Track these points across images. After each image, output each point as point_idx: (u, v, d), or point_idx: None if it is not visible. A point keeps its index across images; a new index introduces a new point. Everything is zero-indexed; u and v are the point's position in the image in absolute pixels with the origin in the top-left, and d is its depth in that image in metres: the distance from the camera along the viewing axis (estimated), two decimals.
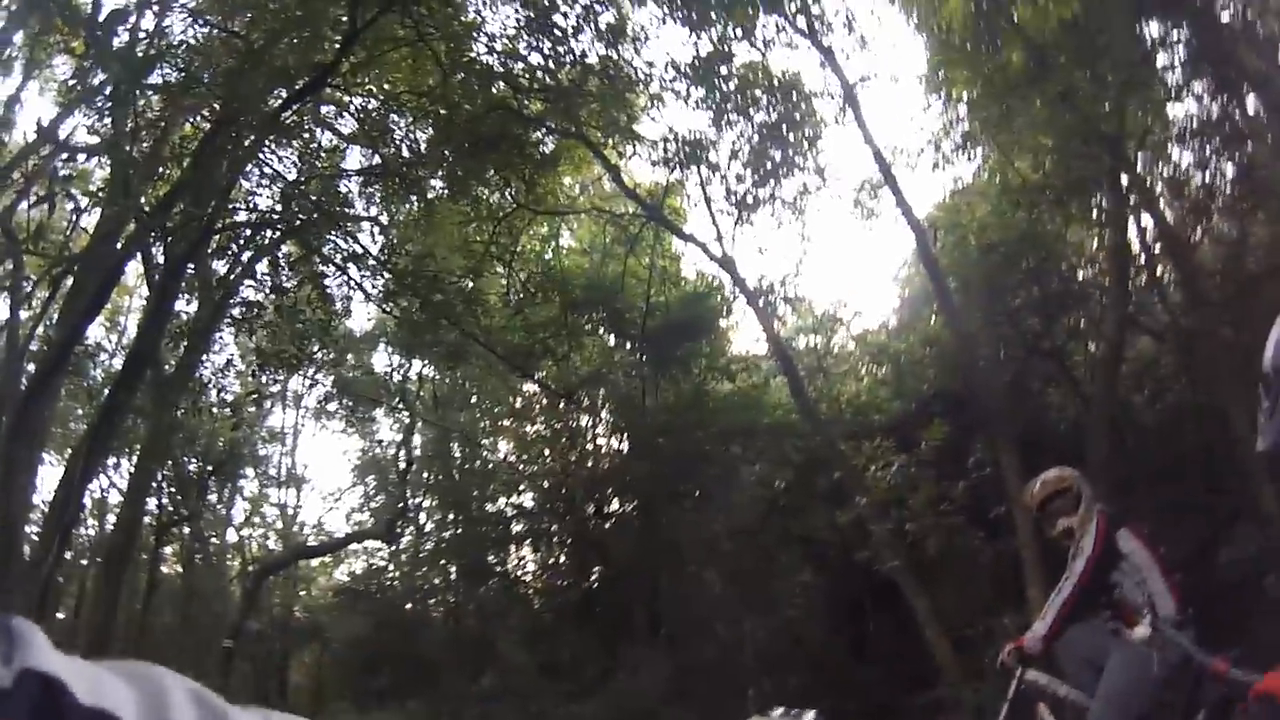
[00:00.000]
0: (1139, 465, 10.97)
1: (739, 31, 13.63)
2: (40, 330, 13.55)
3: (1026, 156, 12.88)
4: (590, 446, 20.52)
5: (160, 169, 11.45)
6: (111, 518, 19.75)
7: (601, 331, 18.87)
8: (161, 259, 12.44)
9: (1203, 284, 11.74)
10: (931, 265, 12.18)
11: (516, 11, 13.13)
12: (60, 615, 20.60)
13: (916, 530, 11.21)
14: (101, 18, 8.71)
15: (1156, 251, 12.72)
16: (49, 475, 19.32)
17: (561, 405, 19.62)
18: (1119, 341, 11.04)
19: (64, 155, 11.62)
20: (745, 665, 13.75)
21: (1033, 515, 6.16)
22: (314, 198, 12.77)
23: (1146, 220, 12.47)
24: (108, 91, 9.80)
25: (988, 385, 11.45)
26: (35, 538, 11.98)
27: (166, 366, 13.83)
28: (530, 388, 20.42)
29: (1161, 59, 12.41)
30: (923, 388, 14.07)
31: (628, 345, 18.54)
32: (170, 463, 16.17)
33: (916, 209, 13.05)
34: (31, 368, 11.08)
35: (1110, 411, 10.71)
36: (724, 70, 13.90)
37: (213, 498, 23.82)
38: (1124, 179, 11.67)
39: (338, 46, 10.61)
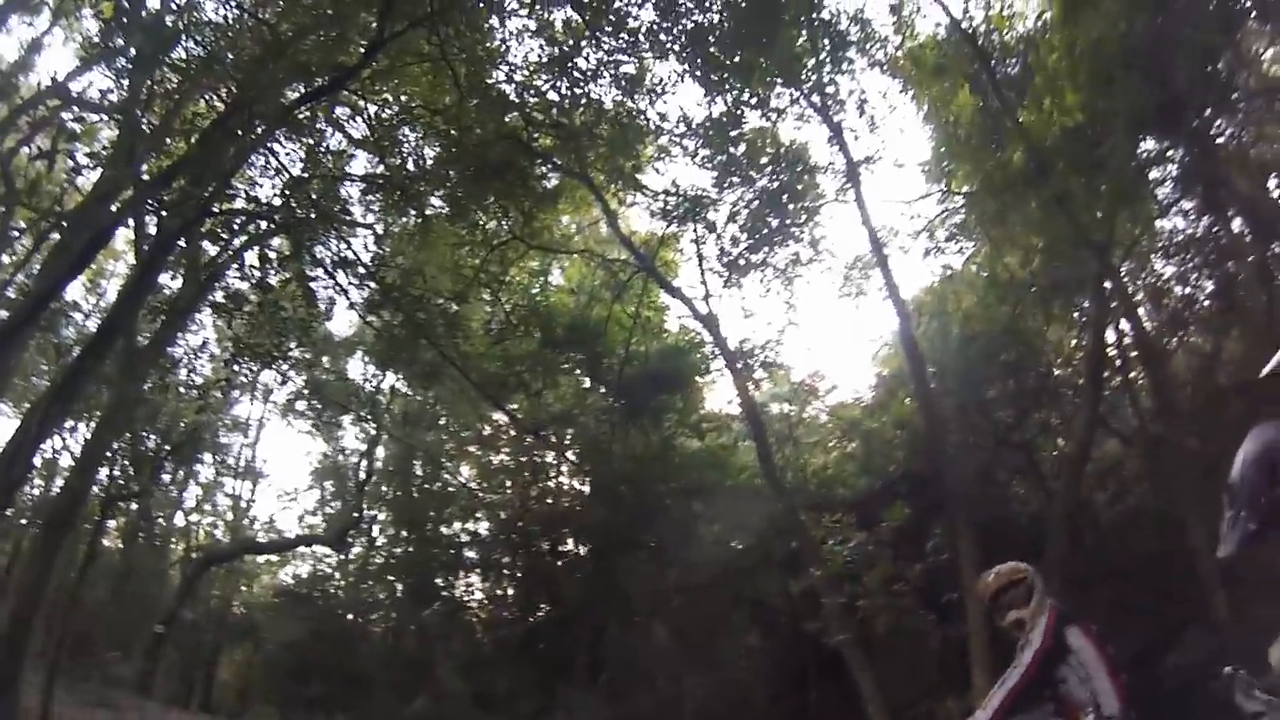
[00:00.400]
0: (1095, 563, 11.05)
1: (754, 98, 13.86)
2: (19, 279, 13.33)
3: (1017, 253, 13.16)
4: (552, 484, 20.43)
5: (166, 141, 11.40)
6: (60, 481, 19.33)
7: (578, 372, 18.88)
8: (153, 231, 12.34)
9: (1174, 393, 11.98)
10: (912, 348, 12.33)
11: (541, 47, 13.34)
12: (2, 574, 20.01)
13: (868, 607, 11.20)
14: None
15: (1132, 357, 12.96)
16: (3, 426, 18.90)
17: (529, 440, 19.54)
18: (1087, 441, 11.18)
19: (74, 109, 11.55)
20: None
21: (985, 604, 6.16)
22: (314, 197, 12.75)
23: (1125, 326, 12.74)
24: (129, 55, 9.79)
25: (954, 471, 11.52)
26: None
27: (140, 339, 13.63)
28: (500, 417, 20.35)
29: (1155, 174, 12.79)
30: (889, 467, 14.15)
31: (602, 389, 18.54)
32: (128, 435, 15.84)
33: (904, 291, 13.27)
34: (4, 314, 10.86)
35: (1072, 508, 10.81)
36: (734, 133, 14.11)
37: (166, 478, 23.33)
38: (1108, 285, 11.92)
39: (363, 51, 10.69)
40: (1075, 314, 13.07)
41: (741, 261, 15.17)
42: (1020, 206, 12.09)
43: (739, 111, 13.96)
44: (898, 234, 14.27)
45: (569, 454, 19.95)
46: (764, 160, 14.50)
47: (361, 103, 14.08)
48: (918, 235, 14.25)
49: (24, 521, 21.62)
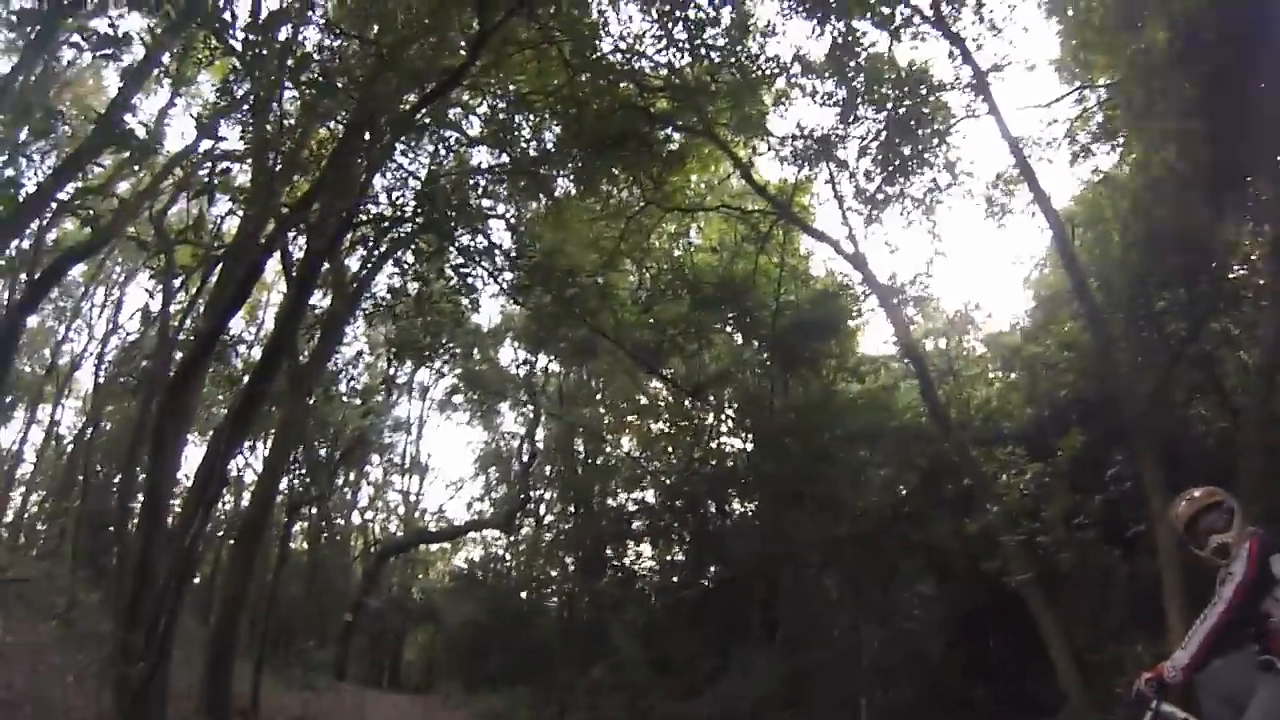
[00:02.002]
0: None
1: (867, 20, 13.22)
2: (189, 321, 14.58)
3: (1173, 145, 11.88)
4: (714, 445, 20.46)
5: (298, 172, 12.05)
6: (247, 495, 21.09)
7: (730, 329, 18.76)
8: (299, 255, 13.11)
9: None
10: (1071, 262, 11.45)
11: (642, 10, 13.18)
12: (196, 580, 22.16)
13: (1048, 543, 10.60)
14: (252, 22, 9.23)
15: None
16: (193, 454, 20.83)
17: (687, 403, 19.61)
18: (1277, 348, 10.03)
19: (209, 163, 12.45)
20: (859, 674, 13.36)
21: (1178, 534, 5.66)
22: (445, 195, 13.17)
23: None
24: (250, 101, 10.39)
25: (1129, 393, 10.66)
26: (178, 509, 12.98)
27: (301, 356, 14.58)
28: (657, 384, 20.51)
29: None
30: (1059, 394, 13.34)
31: (756, 344, 18.36)
32: (302, 447, 17.06)
33: (1054, 203, 12.34)
34: (179, 355, 11.89)
35: (1265, 426, 9.75)
36: (851, 63, 13.53)
37: (340, 481, 25.09)
38: None
39: (466, 50, 10.89)
40: (1249, 204, 11.70)
41: (879, 196, 14.64)
42: (1172, 91, 10.89)
43: (853, 38, 13.40)
44: (1039, 143, 13.25)
45: (729, 412, 19.94)
46: (886, 87, 13.82)
47: (474, 100, 14.41)
48: (1059, 142, 13.19)
49: (221, 534, 23.79)
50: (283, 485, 16.13)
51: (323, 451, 19.65)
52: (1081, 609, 10.65)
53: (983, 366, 17.06)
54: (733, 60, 13.61)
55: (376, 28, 11.30)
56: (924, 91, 13.76)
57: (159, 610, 8.46)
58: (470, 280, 14.36)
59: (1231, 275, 11.41)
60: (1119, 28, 11.43)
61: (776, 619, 16.43)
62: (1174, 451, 10.22)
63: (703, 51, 13.47)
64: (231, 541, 18.16)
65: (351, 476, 26.93)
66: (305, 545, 26.86)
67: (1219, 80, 10.00)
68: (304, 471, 17.52)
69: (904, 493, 15.40)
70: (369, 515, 31.48)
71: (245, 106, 11.08)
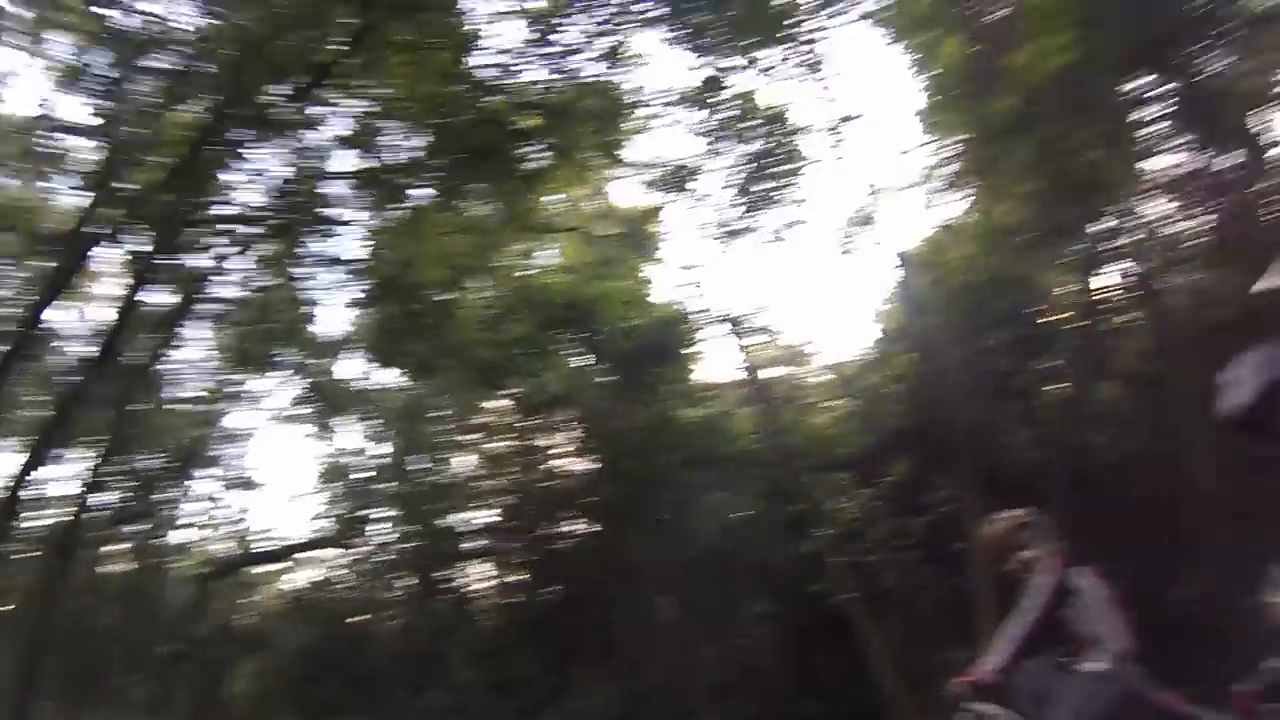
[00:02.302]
0: (1096, 505, 11.16)
1: (740, 60, 13.79)
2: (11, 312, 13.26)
3: (1009, 201, 13.13)
4: (555, 465, 20.47)
5: (149, 156, 11.34)
6: (62, 509, 19.30)
7: (575, 350, 18.89)
8: (139, 248, 12.28)
9: (1171, 331, 12.02)
10: (910, 301, 12.37)
11: (519, 28, 13.25)
12: (8, 607, 19.99)
13: (872, 564, 11.33)
14: None
15: (1128, 299, 13.01)
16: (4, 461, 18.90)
17: (529, 422, 19.56)
18: (1084, 385, 11.25)
19: (53, 134, 11.49)
20: (696, 692, 13.71)
21: (990, 552, 6.29)
22: (299, 198, 12.70)
23: (1121, 267, 12.74)
24: (105, 73, 9.75)
25: (955, 423, 11.59)
26: None
27: (135, 357, 13.61)
28: (498, 403, 20.36)
29: (1144, 112, 12.77)
30: (889, 423, 14.23)
31: (600, 366, 18.57)
32: (128, 456, 15.88)
33: (900, 245, 13.25)
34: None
35: (1072, 452, 10.89)
36: (718, 98, 14.07)
37: (166, 495, 23.39)
38: (1099, 227, 11.91)
39: (340, 47, 10.61)
40: (1068, 259, 13.05)
41: (732, 227, 15.20)
42: (1011, 153, 12.03)
43: (722, 75, 13.92)
44: (891, 188, 14.23)
45: (570, 433, 20.01)
46: (750, 124, 14.44)
47: (340, 99, 13.99)
48: (910, 188, 14.23)
49: (33, 553, 21.54)
50: (102, 499, 14.87)
51: (148, 462, 18.33)
52: (904, 623, 11.41)
53: (820, 395, 17.89)
54: (596, 89, 13.86)
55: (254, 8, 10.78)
56: (786, 130, 14.45)
57: None
58: (308, 294, 13.90)
59: (1050, 320, 12.66)
60: (972, 92, 12.54)
61: (615, 639, 16.60)
62: (994, 475, 11.16)
63: (566, 78, 13.65)
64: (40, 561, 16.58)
65: (178, 490, 25.17)
66: (125, 566, 24.88)
67: (1049, 147, 11.14)
68: (128, 484, 16.22)
69: (740, 515, 15.94)
70: (198, 533, 29.40)
71: (98, 79, 10.32)
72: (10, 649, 13.51)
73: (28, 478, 10.06)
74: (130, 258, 12.27)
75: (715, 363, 19.58)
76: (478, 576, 21.31)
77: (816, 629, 13.32)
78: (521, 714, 14.92)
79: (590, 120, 14.05)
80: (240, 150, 11.31)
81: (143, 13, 9.27)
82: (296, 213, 12.31)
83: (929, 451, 11.95)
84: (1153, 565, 10.63)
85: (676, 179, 15.05)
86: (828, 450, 14.69)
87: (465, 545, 20.89)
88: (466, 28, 12.85)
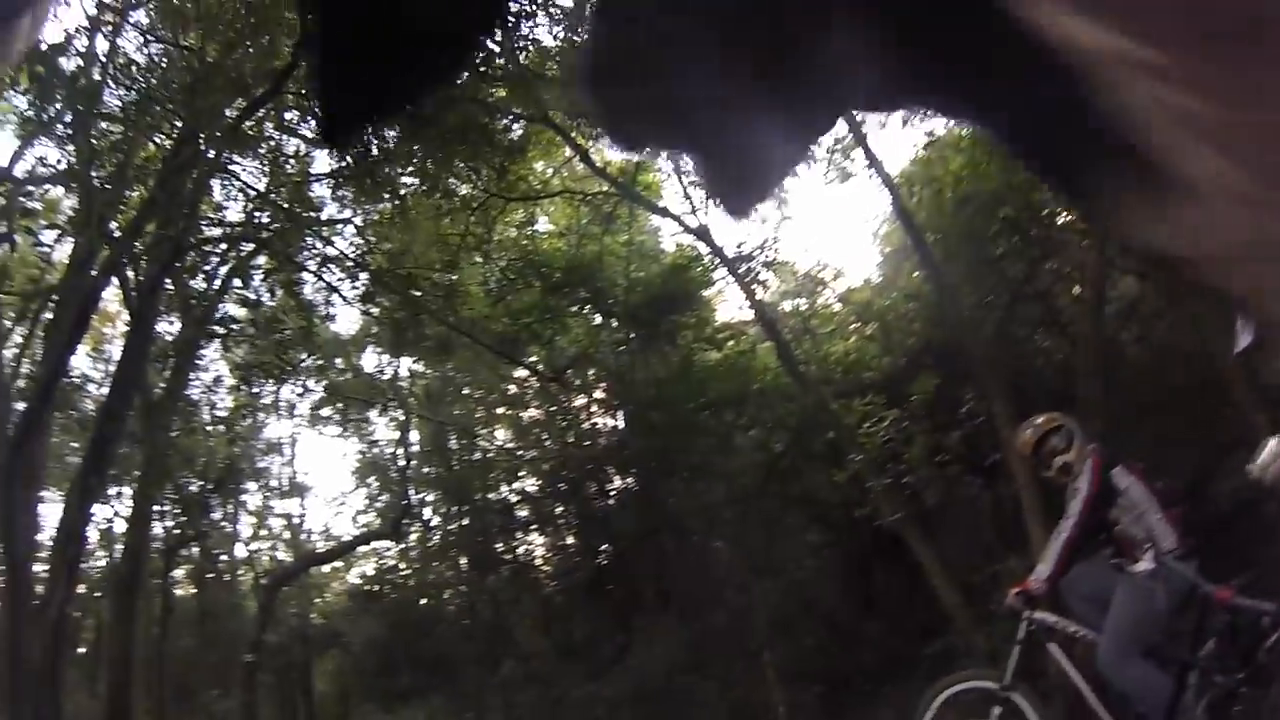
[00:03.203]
0: (1130, 403, 11.02)
1: None
2: (26, 369, 13.47)
3: None
4: (586, 426, 20.54)
5: (126, 191, 11.34)
6: (120, 547, 19.78)
7: (586, 311, 18.84)
8: (141, 280, 12.34)
9: None
10: (907, 221, 12.14)
11: None
12: (82, 650, 20.62)
13: (914, 482, 11.27)
14: (43, 46, 8.56)
15: None
16: (54, 512, 19.33)
17: (554, 388, 19.61)
18: (1102, 282, 11.00)
19: (28, 188, 11.51)
20: (757, 630, 13.84)
21: (1028, 459, 6.23)
22: (284, 205, 12.68)
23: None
24: (66, 119, 9.71)
25: (974, 334, 11.43)
26: (45, 576, 12.02)
27: (156, 389, 13.79)
28: (521, 373, 20.41)
29: None
30: (909, 342, 14.08)
31: (613, 323, 18.51)
32: (170, 485, 16.17)
33: (890, 165, 12.99)
34: (21, 407, 10.99)
35: (1098, 351, 10.69)
36: None
37: (217, 515, 23.85)
38: None
39: (293, 51, 10.48)
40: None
41: None
42: None
43: None
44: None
45: (596, 393, 20.07)
46: None
47: (309, 102, 13.85)
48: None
49: (99, 594, 22.17)
50: (156, 530, 15.24)
51: (193, 487, 18.67)
52: (954, 538, 11.40)
53: (838, 323, 17.74)
54: (559, 50, 13.59)
55: (196, 34, 10.68)
56: None
57: (36, 694, 7.89)
58: (311, 297, 13.93)
59: (1060, 221, 12.35)
60: None
61: (671, 588, 16.77)
62: (1020, 384, 11.03)
63: (525, 43, 13.40)
64: (108, 601, 17.05)
65: (229, 509, 25.66)
66: (191, 590, 25.51)
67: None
68: (177, 511, 16.58)
69: (775, 451, 15.91)
70: (253, 546, 30.02)
71: (60, 126, 10.31)
72: (93, 686, 13.99)
73: (81, 520, 10.24)
74: (134, 292, 12.35)
75: (731, 302, 19.42)
76: (530, 546, 21.59)
77: (869, 554, 13.36)
78: (591, 673, 15.17)
79: (558, 83, 13.82)
80: (214, 168, 11.24)
81: (88, 54, 9.16)
82: (286, 219, 12.27)
83: (953, 366, 11.79)
84: (1193, 459, 10.50)
85: None
86: (853, 376, 14.58)
87: (513, 517, 21.10)
88: None
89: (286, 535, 29.80)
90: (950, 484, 11.11)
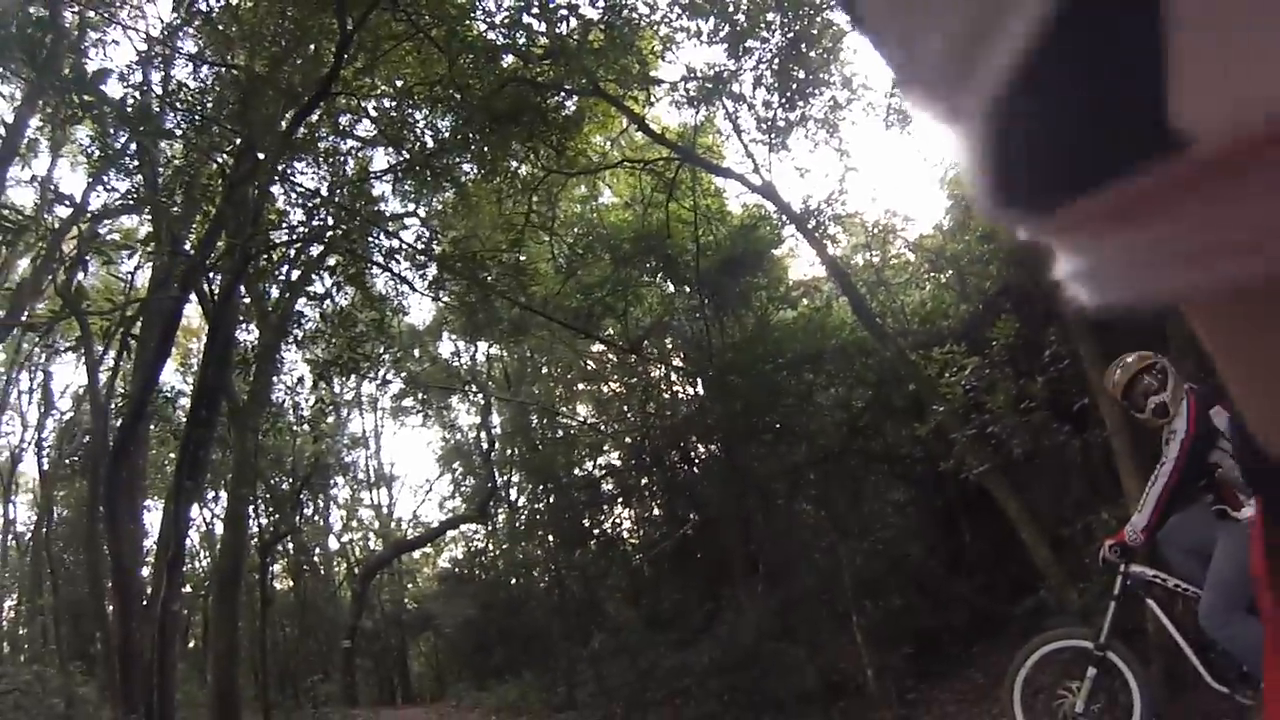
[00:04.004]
0: None
1: None
2: (120, 386, 14.18)
3: None
4: (666, 396, 20.57)
5: (196, 211, 11.75)
6: (219, 547, 20.72)
7: (658, 280, 18.83)
8: (218, 291, 12.79)
9: None
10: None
11: None
12: (191, 645, 21.80)
13: (1000, 432, 10.91)
14: (89, 77, 8.86)
15: None
16: (157, 519, 20.43)
17: (631, 360, 19.68)
18: None
19: (105, 219, 12.03)
20: (844, 592, 13.70)
21: (1119, 401, 5.87)
22: (346, 205, 12.94)
23: None
24: (131, 150, 10.07)
25: (1054, 273, 10.97)
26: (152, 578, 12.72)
27: (241, 395, 14.32)
28: (598, 348, 20.54)
29: None
30: (986, 285, 13.63)
31: (686, 289, 18.45)
32: (262, 485, 16.87)
33: None
34: (118, 423, 11.57)
35: None
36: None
37: (309, 510, 24.80)
38: None
39: (338, 56, 10.62)
40: None
41: (780, 124, 14.68)
42: None
43: None
44: None
45: (674, 361, 20.07)
46: (770, 15, 13.80)
47: (361, 103, 14.09)
48: None
49: (203, 593, 23.34)
50: (251, 528, 15.95)
51: (284, 485, 19.40)
52: (1043, 489, 11.02)
53: (912, 272, 17.32)
54: (607, 17, 13.47)
55: (243, 53, 10.94)
56: (810, 12, 13.78)
57: (149, 687, 8.35)
58: (382, 290, 14.19)
59: None
60: None
61: (757, 554, 16.72)
62: (1105, 322, 10.55)
63: (569, 17, 13.31)
64: (211, 598, 17.94)
65: (319, 503, 26.65)
66: (289, 583, 26.61)
67: None
68: (270, 509, 17.34)
69: (856, 408, 15.66)
70: (345, 538, 31.18)
71: (126, 157, 10.71)
72: (202, 677, 14.75)
73: (179, 523, 10.74)
74: (212, 304, 12.79)
75: (802, 259, 19.15)
76: (617, 520, 21.79)
77: (955, 510, 13.04)
78: (680, 643, 15.27)
79: (605, 53, 13.71)
80: (273, 176, 11.51)
81: (143, 86, 9.45)
82: (350, 218, 12.53)
83: (1034, 308, 11.34)
84: None
85: (711, 88, 14.56)
86: (930, 325, 14.20)
87: (598, 492, 21.31)
88: (456, 1, 12.61)
89: (376, 525, 30.87)
90: (1037, 432, 10.67)
